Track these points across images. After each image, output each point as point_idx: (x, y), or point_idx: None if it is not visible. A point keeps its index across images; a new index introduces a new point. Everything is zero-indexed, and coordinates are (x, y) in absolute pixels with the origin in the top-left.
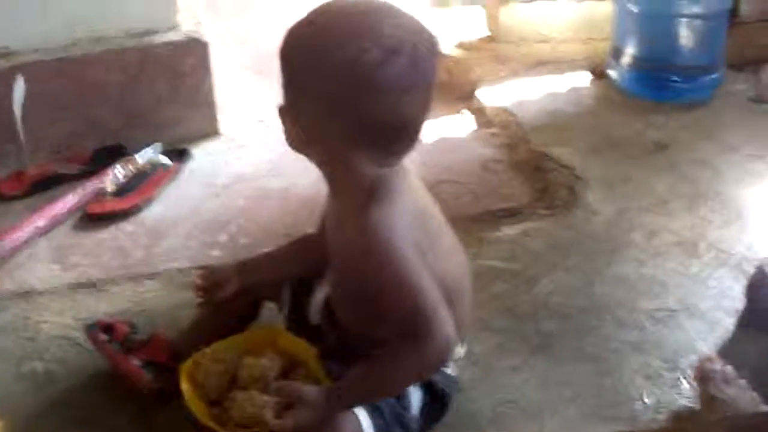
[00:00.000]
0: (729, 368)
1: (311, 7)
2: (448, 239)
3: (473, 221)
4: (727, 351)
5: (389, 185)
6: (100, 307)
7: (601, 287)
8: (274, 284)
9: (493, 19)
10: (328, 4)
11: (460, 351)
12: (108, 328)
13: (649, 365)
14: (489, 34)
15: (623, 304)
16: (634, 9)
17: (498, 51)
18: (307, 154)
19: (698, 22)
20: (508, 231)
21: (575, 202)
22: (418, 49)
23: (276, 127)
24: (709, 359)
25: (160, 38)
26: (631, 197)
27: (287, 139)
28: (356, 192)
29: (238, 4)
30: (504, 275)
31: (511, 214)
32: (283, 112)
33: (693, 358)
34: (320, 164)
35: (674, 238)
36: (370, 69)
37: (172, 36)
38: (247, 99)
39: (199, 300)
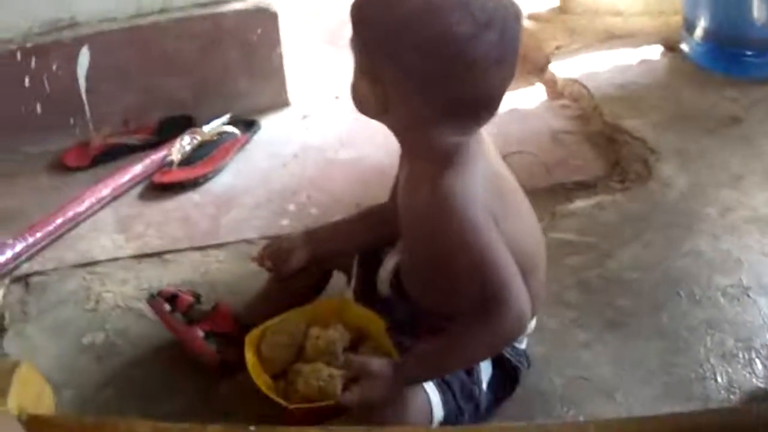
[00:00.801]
0: None
1: None
2: (523, 206)
3: (545, 193)
4: None
5: (466, 151)
6: (164, 277)
7: (676, 262)
8: (344, 255)
9: None
10: None
11: (531, 324)
12: (171, 298)
13: (723, 344)
14: (560, 5)
15: (698, 281)
16: None
17: (569, 23)
18: (382, 120)
19: None
20: (581, 204)
21: (649, 175)
22: (508, 21)
23: (347, 100)
24: None
25: (229, 8)
26: (706, 171)
27: (361, 103)
28: (433, 158)
29: None
30: (577, 248)
31: (584, 187)
32: (359, 75)
33: (767, 338)
34: (397, 131)
35: (749, 213)
36: (463, 42)
37: (241, 5)
38: (318, 71)
39: (265, 271)
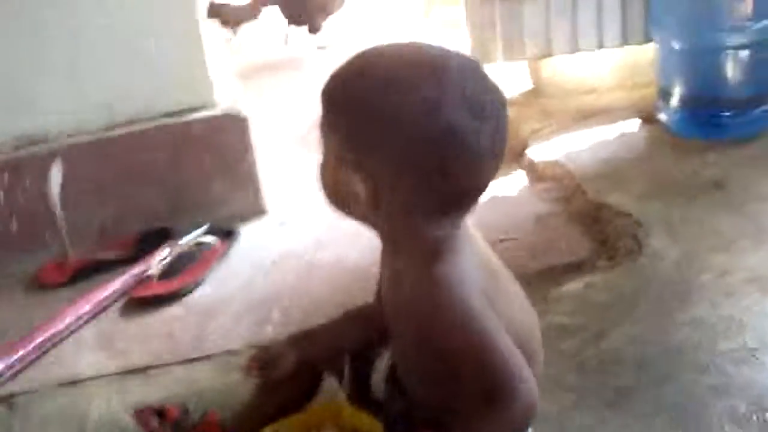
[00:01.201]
0: None
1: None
2: (515, 290)
3: (534, 278)
4: None
5: (452, 240)
6: (150, 392)
7: (676, 333)
8: (333, 357)
9: (536, 74)
10: (391, 50)
11: None
12: (159, 412)
13: (735, 409)
14: (533, 88)
15: (701, 348)
16: (677, 46)
17: (544, 105)
18: (363, 217)
19: (744, 52)
20: (572, 286)
21: (639, 249)
22: (501, 111)
23: (322, 204)
24: None
25: (198, 115)
26: (696, 239)
27: (343, 199)
28: (422, 251)
29: (274, 82)
30: (571, 330)
31: (573, 268)
32: (337, 167)
33: None
34: (382, 226)
35: (747, 275)
36: (464, 136)
37: (210, 113)
38: (293, 176)
39: (254, 379)
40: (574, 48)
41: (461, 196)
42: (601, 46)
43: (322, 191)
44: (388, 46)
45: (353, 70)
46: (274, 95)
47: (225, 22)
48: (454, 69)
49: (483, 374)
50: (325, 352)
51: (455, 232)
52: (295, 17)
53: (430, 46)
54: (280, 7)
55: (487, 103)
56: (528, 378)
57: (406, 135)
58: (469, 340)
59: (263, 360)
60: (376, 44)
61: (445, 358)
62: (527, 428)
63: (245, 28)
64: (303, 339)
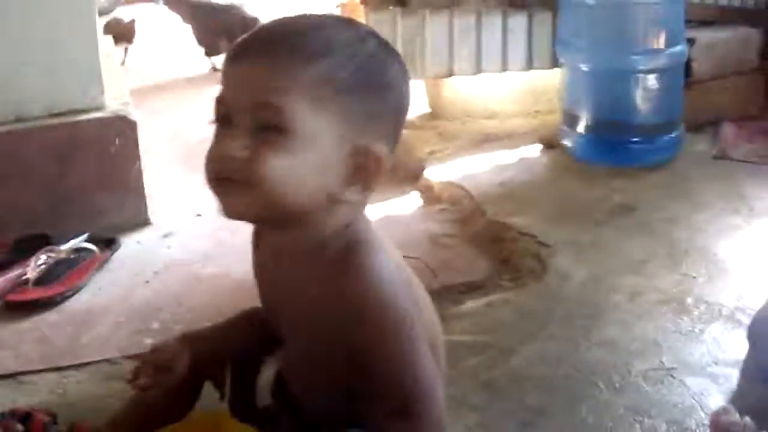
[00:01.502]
0: (748, 419)
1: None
2: (423, 292)
3: (432, 297)
4: (737, 404)
5: (372, 233)
6: (19, 399)
7: (588, 353)
8: (220, 361)
9: (435, 95)
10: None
11: None
12: (24, 417)
13: (655, 428)
14: (431, 111)
15: (615, 368)
16: (586, 68)
17: (443, 128)
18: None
19: (654, 77)
20: (472, 304)
21: (543, 270)
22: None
23: (209, 217)
24: (725, 411)
25: (86, 116)
26: (605, 260)
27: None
28: (337, 243)
29: (164, 104)
30: (474, 349)
31: (472, 288)
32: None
33: (701, 416)
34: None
35: (659, 296)
36: (401, 66)
37: (99, 114)
38: (177, 191)
39: (142, 388)
40: (478, 69)
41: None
42: (505, 68)
43: (269, 198)
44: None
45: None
46: (164, 114)
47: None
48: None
49: (403, 384)
50: (217, 355)
51: (368, 221)
52: (204, 41)
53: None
54: (193, 30)
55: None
56: (440, 398)
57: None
58: (397, 347)
59: (156, 363)
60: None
61: (365, 362)
62: None
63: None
64: (194, 340)
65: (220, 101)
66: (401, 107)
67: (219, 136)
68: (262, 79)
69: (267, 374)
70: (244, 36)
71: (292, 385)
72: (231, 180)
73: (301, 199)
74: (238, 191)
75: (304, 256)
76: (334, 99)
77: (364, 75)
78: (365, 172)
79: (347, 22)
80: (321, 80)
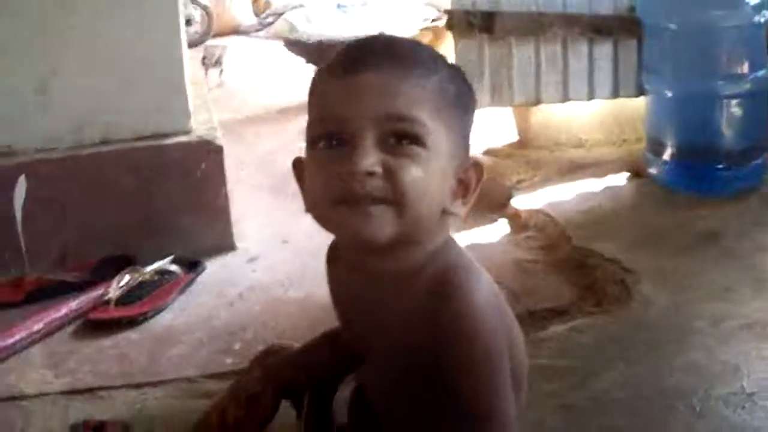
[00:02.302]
0: None
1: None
2: (513, 317)
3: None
4: None
5: (466, 255)
6: (95, 413)
7: (670, 377)
8: (301, 387)
9: (523, 123)
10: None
11: None
12: (97, 428)
13: None
14: (519, 140)
15: (696, 392)
16: (670, 94)
17: (530, 156)
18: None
19: (739, 102)
20: (555, 329)
21: (628, 296)
22: None
23: (295, 243)
24: None
25: (173, 140)
26: (689, 287)
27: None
28: (437, 260)
29: (254, 133)
30: (556, 372)
31: (557, 313)
32: (461, 164)
33: None
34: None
35: (743, 321)
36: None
37: (185, 138)
38: (264, 217)
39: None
40: (565, 97)
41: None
42: (591, 97)
43: (418, 215)
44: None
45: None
46: (254, 143)
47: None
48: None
49: (477, 411)
50: (296, 383)
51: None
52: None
53: None
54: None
55: None
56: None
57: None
58: (483, 376)
59: (242, 404)
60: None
61: (449, 384)
62: None
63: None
64: (275, 373)
65: (328, 118)
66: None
67: (340, 155)
68: (392, 88)
69: (344, 393)
70: (346, 49)
71: (375, 403)
72: (371, 198)
73: (429, 214)
74: (386, 211)
75: (400, 277)
76: (447, 110)
77: (461, 92)
78: (466, 186)
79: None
80: (439, 91)
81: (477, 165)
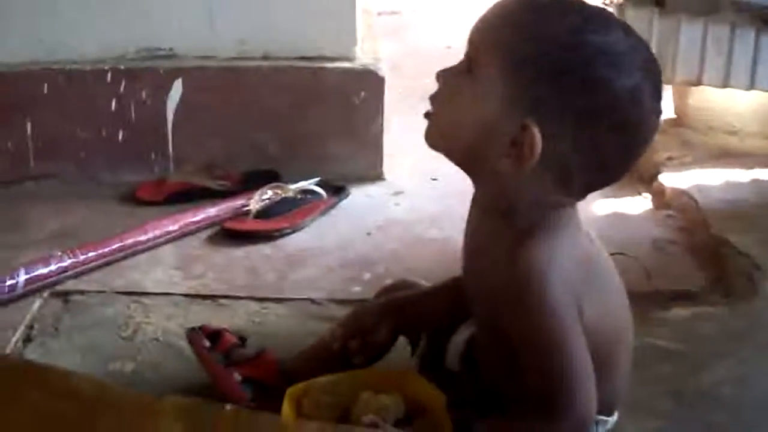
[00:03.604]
0: None
1: None
2: (611, 276)
3: (642, 299)
4: None
5: (558, 219)
6: (214, 320)
7: None
8: (418, 328)
9: (682, 103)
10: None
11: (611, 420)
12: (213, 335)
13: None
14: (675, 117)
15: None
16: None
17: (684, 136)
18: (488, 174)
19: None
20: (679, 312)
21: (754, 292)
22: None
23: (443, 184)
24: None
25: (334, 65)
26: None
27: (480, 146)
28: (525, 220)
29: (421, 69)
30: (671, 357)
31: (683, 297)
32: (514, 112)
33: None
34: (503, 188)
35: None
36: (643, 97)
37: (347, 64)
38: (417, 153)
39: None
40: (725, 82)
41: (613, 165)
42: (752, 86)
43: (443, 129)
44: None
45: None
46: (419, 79)
47: None
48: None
49: (545, 376)
50: (415, 325)
51: (564, 209)
52: None
53: None
54: None
55: (652, 62)
56: (589, 395)
57: (596, 85)
58: (541, 338)
59: (358, 332)
60: None
61: (515, 344)
62: None
63: None
64: (397, 309)
65: None
66: (615, 122)
67: None
68: (487, 27)
69: (459, 339)
70: None
71: (478, 354)
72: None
73: (461, 142)
74: (428, 119)
75: (497, 225)
76: (515, 65)
77: (567, 65)
78: (518, 149)
79: (605, 16)
80: (512, 44)
81: (529, 132)
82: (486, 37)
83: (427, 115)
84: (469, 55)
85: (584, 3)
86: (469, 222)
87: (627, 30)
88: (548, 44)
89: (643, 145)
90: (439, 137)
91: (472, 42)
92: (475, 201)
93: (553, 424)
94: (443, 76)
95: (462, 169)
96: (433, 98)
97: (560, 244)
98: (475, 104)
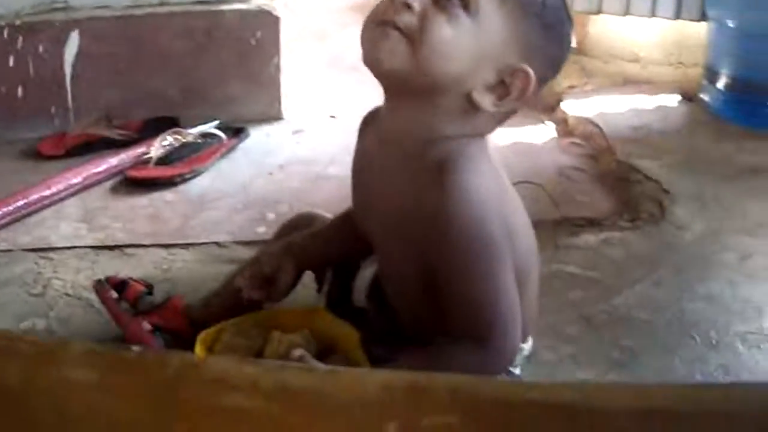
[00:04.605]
0: None
1: None
2: (518, 203)
3: (550, 226)
4: None
5: (478, 149)
6: (122, 270)
7: (690, 305)
8: (322, 266)
9: (581, 31)
10: None
11: (527, 346)
12: (120, 285)
13: None
14: (576, 46)
15: (714, 325)
16: (732, 24)
17: (585, 64)
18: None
19: None
20: (588, 238)
21: (662, 216)
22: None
23: (342, 119)
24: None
25: (229, 6)
26: (723, 217)
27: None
28: (441, 150)
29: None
30: (581, 282)
31: (591, 223)
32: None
33: None
34: (442, 106)
35: None
36: (569, 33)
37: (242, 6)
38: (315, 91)
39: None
40: (625, 11)
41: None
42: (653, 14)
43: (421, 53)
44: None
45: None
46: (315, 16)
47: None
48: None
49: (477, 309)
50: (317, 262)
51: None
52: None
53: None
54: None
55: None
56: (518, 325)
57: (564, 40)
58: (479, 273)
59: (261, 280)
60: None
61: (445, 281)
62: (506, 369)
63: None
64: (296, 249)
65: None
66: (562, 53)
67: None
68: None
69: (364, 276)
70: None
71: (386, 288)
72: (398, 29)
73: (446, 78)
74: (400, 41)
75: (405, 155)
76: (517, 11)
77: (554, 20)
78: (507, 90)
79: None
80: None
81: (526, 76)
82: None
83: (391, 34)
84: None
85: None
86: (363, 155)
87: None
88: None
89: (562, 63)
90: (413, 63)
91: None
92: (387, 139)
93: (485, 351)
94: (423, 2)
95: (404, 98)
96: (408, 21)
97: (485, 171)
98: (472, 39)
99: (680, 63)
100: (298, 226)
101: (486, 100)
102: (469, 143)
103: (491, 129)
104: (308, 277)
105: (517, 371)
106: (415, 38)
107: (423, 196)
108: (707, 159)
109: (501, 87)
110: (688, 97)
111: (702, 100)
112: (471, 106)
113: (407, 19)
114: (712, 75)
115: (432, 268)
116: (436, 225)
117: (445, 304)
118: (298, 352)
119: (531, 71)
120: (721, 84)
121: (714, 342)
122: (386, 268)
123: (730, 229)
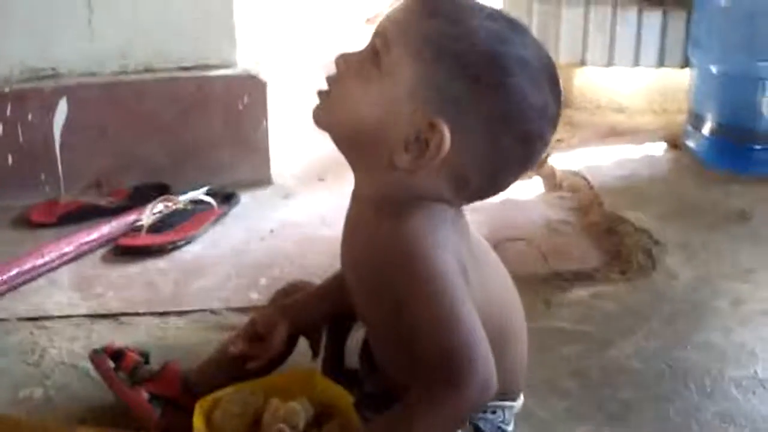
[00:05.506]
0: None
1: None
2: (494, 262)
3: (539, 282)
4: None
5: (441, 212)
6: (117, 338)
7: (683, 354)
8: (316, 327)
9: (566, 84)
10: None
11: (518, 404)
12: (116, 354)
13: None
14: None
15: (708, 373)
16: (715, 70)
17: (570, 117)
18: (377, 166)
19: None
20: (579, 293)
21: (653, 267)
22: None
23: (332, 182)
24: None
25: (216, 73)
26: (714, 264)
27: (375, 137)
28: (405, 210)
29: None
30: (574, 337)
31: (582, 277)
32: (422, 109)
33: None
34: (392, 181)
35: (763, 306)
36: (554, 117)
37: (229, 71)
38: (303, 155)
39: (238, 354)
40: (610, 62)
41: (511, 177)
42: (637, 64)
43: (339, 112)
44: None
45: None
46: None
47: None
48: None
49: (438, 343)
50: (311, 322)
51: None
52: None
53: None
54: None
55: (557, 80)
56: (486, 357)
57: (512, 96)
58: (430, 302)
59: (254, 339)
60: None
61: (403, 320)
62: (480, 407)
63: None
64: (290, 310)
65: None
66: (508, 106)
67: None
68: (403, 19)
69: (356, 336)
70: None
71: (374, 348)
72: (324, 86)
73: (356, 129)
74: (322, 99)
75: (362, 210)
76: (432, 61)
77: (487, 71)
78: (423, 146)
79: (524, 28)
80: (431, 39)
81: (438, 131)
82: (402, 29)
83: (320, 93)
84: (375, 45)
85: (502, 11)
86: (348, 218)
87: (540, 45)
88: (469, 47)
89: (537, 158)
90: (331, 118)
91: (382, 32)
92: (354, 195)
93: (453, 398)
94: (345, 59)
95: (346, 155)
96: (332, 79)
97: (442, 221)
98: (381, 94)
99: (664, 110)
100: (291, 294)
101: (403, 159)
102: (432, 207)
103: (449, 196)
104: (304, 343)
105: (510, 428)
106: (330, 94)
107: (381, 247)
108: (695, 206)
109: (419, 143)
110: (674, 145)
111: (687, 147)
112: (393, 161)
113: (329, 78)
114: (696, 121)
115: (394, 311)
116: (391, 269)
117: (412, 347)
118: (277, 428)
119: (443, 125)
120: (705, 129)
121: (709, 390)
122: (367, 327)
123: (721, 276)
